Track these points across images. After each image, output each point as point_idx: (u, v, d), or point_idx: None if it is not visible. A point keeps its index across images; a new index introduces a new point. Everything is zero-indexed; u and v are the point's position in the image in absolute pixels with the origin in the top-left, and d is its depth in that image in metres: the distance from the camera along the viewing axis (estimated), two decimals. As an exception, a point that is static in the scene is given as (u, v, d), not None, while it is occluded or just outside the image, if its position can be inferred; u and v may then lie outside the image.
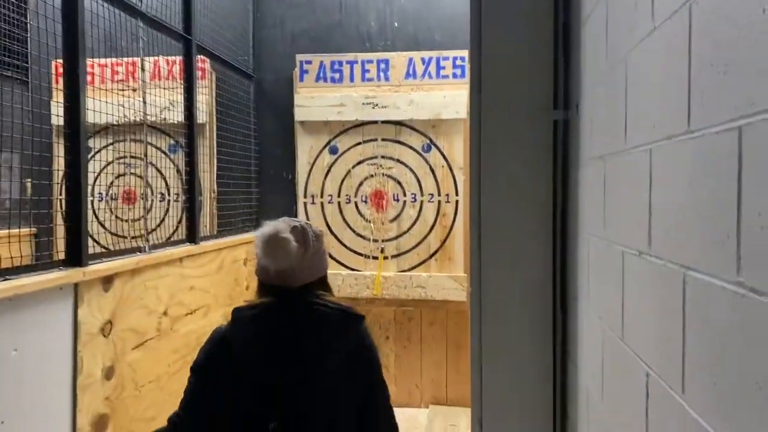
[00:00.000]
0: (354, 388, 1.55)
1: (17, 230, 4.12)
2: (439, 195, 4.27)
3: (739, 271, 0.71)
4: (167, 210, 4.41)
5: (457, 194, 4.24)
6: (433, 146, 4.26)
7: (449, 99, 4.15)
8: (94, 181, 4.62)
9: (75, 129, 2.27)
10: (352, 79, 4.32)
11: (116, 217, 4.47)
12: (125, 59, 4.49)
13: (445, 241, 4.27)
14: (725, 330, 0.75)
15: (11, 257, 2.18)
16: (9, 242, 2.19)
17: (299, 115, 4.34)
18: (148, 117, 4.41)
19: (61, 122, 3.82)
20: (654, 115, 1.06)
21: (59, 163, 3.96)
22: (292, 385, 1.46)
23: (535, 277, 1.91)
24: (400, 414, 4.16)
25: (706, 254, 0.81)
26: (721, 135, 0.77)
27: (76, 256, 2.25)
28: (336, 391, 1.51)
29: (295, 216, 4.44)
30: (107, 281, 2.41)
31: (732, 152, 0.74)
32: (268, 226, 1.54)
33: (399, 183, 4.33)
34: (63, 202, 4.30)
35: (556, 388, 1.92)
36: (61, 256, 2.28)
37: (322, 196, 4.42)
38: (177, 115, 4.06)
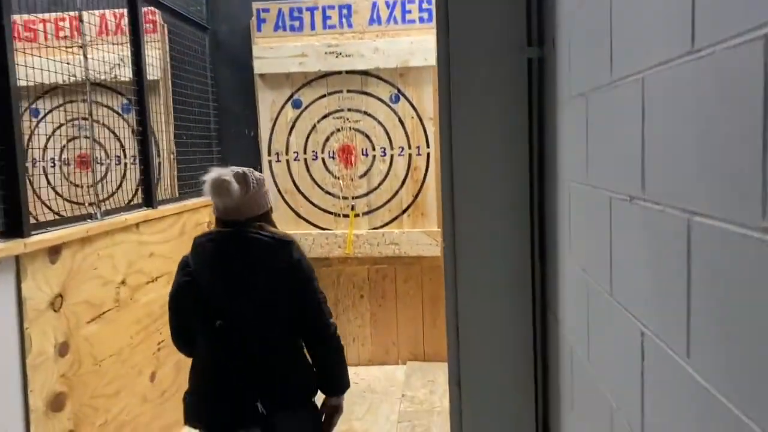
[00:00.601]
0: (284, 297, 1.95)
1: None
2: (410, 148, 4.12)
3: (766, 215, 0.58)
4: (124, 174, 4.19)
5: (428, 146, 4.09)
6: (401, 96, 4.09)
7: (417, 45, 3.96)
8: (45, 145, 4.38)
9: (4, 89, 2.05)
10: (313, 27, 4.09)
11: (70, 182, 4.24)
12: (69, 14, 4.19)
13: (417, 195, 4.14)
14: (745, 285, 0.63)
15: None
16: None
17: (259, 67, 4.11)
18: (99, 75, 4.15)
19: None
20: (646, 39, 0.92)
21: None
22: (233, 295, 1.93)
23: (511, 228, 1.79)
24: (378, 371, 4.12)
25: (718, 197, 0.68)
26: (739, 50, 0.63)
27: (15, 227, 2.07)
28: (267, 300, 1.94)
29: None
30: (54, 252, 2.23)
31: (754, 69, 0.60)
32: (215, 172, 1.94)
33: (367, 137, 4.16)
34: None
35: (537, 343, 1.83)
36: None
37: (287, 153, 4.24)
38: (129, 73, 3.81)
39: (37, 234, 2.17)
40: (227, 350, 1.91)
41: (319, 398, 2.10)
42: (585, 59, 1.28)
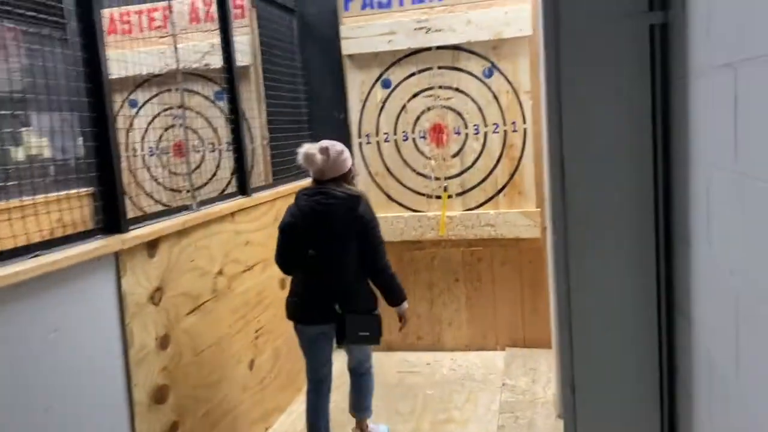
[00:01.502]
0: (352, 237, 2.66)
1: (76, 192, 4.05)
2: (505, 124, 3.90)
3: None
4: (219, 161, 4.25)
5: (524, 122, 3.86)
6: (495, 70, 3.87)
7: (511, 15, 3.72)
8: (143, 136, 4.51)
9: (98, 84, 2.05)
10: (401, 3, 3.93)
11: (170, 171, 4.35)
12: (160, 3, 4.25)
13: (513, 174, 3.93)
14: None
15: (71, 224, 2.04)
16: (60, 208, 2.05)
17: (347, 48, 4.01)
18: (193, 64, 4.19)
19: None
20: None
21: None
22: (319, 233, 2.64)
23: (631, 218, 1.59)
24: (476, 357, 3.98)
25: None
26: None
27: (114, 223, 2.08)
28: (341, 238, 2.65)
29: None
30: (152, 246, 2.24)
31: None
32: (305, 146, 2.71)
33: (459, 114, 3.97)
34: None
35: (662, 345, 1.63)
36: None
37: (377, 135, 4.13)
38: (221, 60, 3.82)
39: (135, 229, 2.18)
40: (316, 271, 2.66)
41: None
42: (733, 23, 1.07)
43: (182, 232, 2.45)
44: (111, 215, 2.08)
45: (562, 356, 1.68)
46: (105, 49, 2.06)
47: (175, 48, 2.86)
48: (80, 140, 4.55)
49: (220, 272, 2.76)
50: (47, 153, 3.99)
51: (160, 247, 2.29)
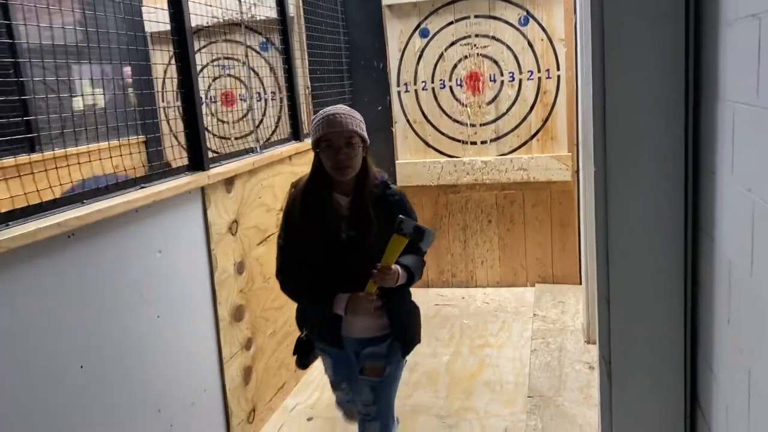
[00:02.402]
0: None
1: (126, 140, 4.34)
2: (539, 71, 4.08)
3: None
4: (265, 110, 4.49)
5: (558, 69, 4.03)
6: (530, 18, 4.02)
7: (547, -36, 3.85)
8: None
9: (181, 34, 2.29)
10: (441, -47, 4.07)
11: (218, 119, 4.60)
12: (209, -43, 4.42)
13: (546, 120, 4.12)
14: None
15: (133, 168, 2.31)
16: (120, 153, 2.31)
17: (387, -2, 4.18)
18: (239, 15, 4.39)
19: (154, 29, 3.86)
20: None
21: (157, 71, 4.08)
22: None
23: (664, 149, 1.81)
24: (508, 292, 4.28)
25: None
26: None
27: (198, 161, 2.35)
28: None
29: (389, 106, 4.40)
30: (229, 183, 2.52)
31: None
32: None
33: (495, 62, 4.15)
34: (167, 110, 4.43)
35: (687, 259, 1.88)
36: (176, 163, 2.40)
37: (415, 84, 4.33)
38: (266, 11, 4.02)
39: (214, 167, 2.45)
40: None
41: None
42: (759, -22, 1.27)
43: (252, 172, 2.72)
44: (196, 155, 2.34)
45: (599, 273, 1.94)
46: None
47: (239, 0, 3.06)
48: (130, 90, 4.81)
49: (282, 209, 3.04)
50: (101, 103, 4.27)
51: (235, 184, 2.56)
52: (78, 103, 4.16)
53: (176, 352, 2.14)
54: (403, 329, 2.08)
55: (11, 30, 2.92)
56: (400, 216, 1.87)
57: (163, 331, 2.05)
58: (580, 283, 3.91)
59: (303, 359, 2.15)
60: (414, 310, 2.19)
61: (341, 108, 1.94)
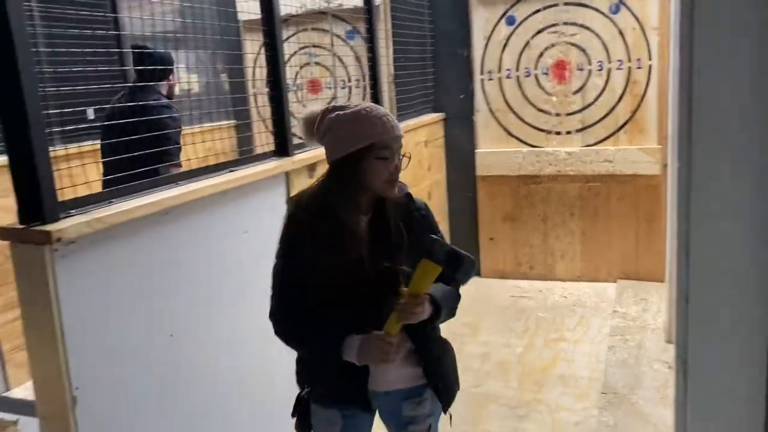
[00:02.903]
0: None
1: (218, 125, 4.52)
2: (629, 61, 3.94)
3: None
4: (349, 97, 4.58)
5: (650, 58, 3.88)
6: (622, 6, 3.89)
7: (642, -51, 3.71)
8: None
9: (271, 22, 2.39)
10: (530, -60, 4.01)
11: (304, 106, 4.75)
12: (300, -53, 4.55)
13: (635, 111, 3.99)
14: None
15: (224, 152, 2.45)
16: (212, 138, 2.45)
17: (473, -15, 4.16)
18: (328, 4, 4.50)
19: (246, 18, 4.02)
20: None
21: (248, 59, 4.24)
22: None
23: (752, 144, 1.74)
24: (588, 287, 4.20)
25: None
26: None
27: (283, 147, 2.46)
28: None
29: (472, 95, 4.38)
30: (311, 169, 2.62)
31: None
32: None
33: (583, 51, 4.05)
34: (257, 96, 4.62)
35: (776, 265, 1.80)
36: (263, 148, 2.51)
37: (499, 72, 4.30)
38: (353, 0, 4.10)
39: (299, 153, 2.55)
40: None
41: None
42: None
43: (333, 158, 2.80)
44: (281, 141, 2.45)
45: (679, 266, 1.89)
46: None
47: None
48: (223, 76, 5.01)
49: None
50: (195, 88, 4.50)
51: (317, 170, 2.66)
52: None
53: (258, 324, 2.27)
54: (442, 378, 1.63)
55: (117, 22, 3.13)
56: (431, 236, 1.46)
57: (246, 306, 2.18)
58: (665, 281, 3.77)
59: (304, 424, 1.64)
60: (449, 351, 1.70)
61: (380, 108, 1.52)
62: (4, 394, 2.92)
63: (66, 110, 1.74)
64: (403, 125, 3.79)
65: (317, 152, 2.65)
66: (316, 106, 1.57)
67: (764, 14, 1.67)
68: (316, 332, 1.52)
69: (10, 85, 1.43)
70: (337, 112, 1.49)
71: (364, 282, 1.47)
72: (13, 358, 3.00)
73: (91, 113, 3.52)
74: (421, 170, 4.03)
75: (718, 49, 1.73)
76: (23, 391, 2.84)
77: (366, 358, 1.45)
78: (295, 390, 1.66)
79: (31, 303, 1.52)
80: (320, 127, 1.51)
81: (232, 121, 4.45)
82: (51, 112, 1.64)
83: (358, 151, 1.44)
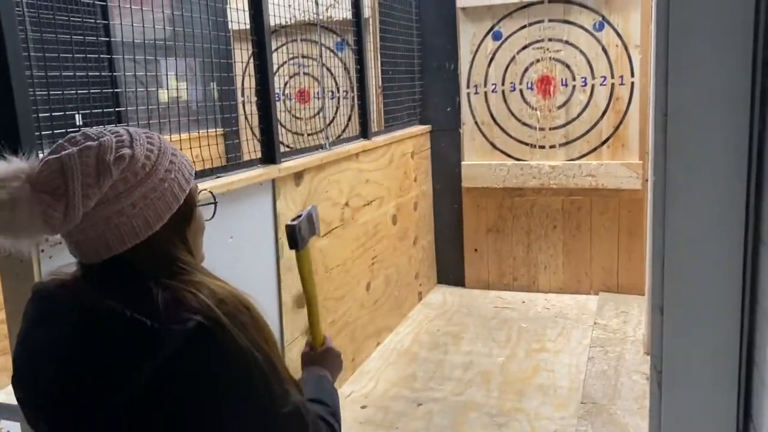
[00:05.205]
0: None
1: (206, 132, 4.56)
2: (613, 77, 4.02)
3: None
4: (338, 108, 4.63)
5: (632, 75, 3.97)
6: (606, 24, 3.97)
7: (625, -31, 3.80)
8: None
9: (260, 32, 2.44)
10: (516, -42, 4.09)
11: (292, 115, 4.79)
12: (291, -40, 4.61)
13: (618, 126, 4.07)
14: None
15: (210, 159, 2.47)
16: (199, 144, 2.46)
17: (461, 1, 4.23)
18: (318, 16, 4.55)
19: (236, 27, 4.07)
20: None
21: (237, 67, 4.28)
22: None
23: (727, 161, 1.80)
24: (570, 299, 4.25)
25: None
26: None
27: (270, 155, 2.50)
28: None
29: (458, 107, 4.44)
30: (298, 177, 2.65)
31: None
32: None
33: (568, 66, 4.13)
34: (245, 105, 4.66)
35: (746, 277, 1.85)
36: (250, 155, 2.55)
37: (485, 85, 4.36)
38: (342, 12, 4.15)
39: (285, 161, 2.59)
40: None
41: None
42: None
43: (320, 167, 2.85)
44: (269, 149, 2.49)
45: (653, 278, 1.94)
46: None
47: (316, 2, 3.20)
48: (212, 84, 5.04)
49: (347, 204, 3.16)
50: (184, 96, 4.53)
51: (304, 178, 2.70)
52: (163, 96, 4.43)
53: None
54: None
55: (108, 29, 3.15)
56: (288, 225, 1.39)
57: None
58: (645, 294, 3.84)
59: None
60: None
61: None
62: (-14, 398, 2.90)
63: (56, 114, 1.77)
64: (391, 136, 3.85)
65: (304, 160, 2.69)
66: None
67: (735, 36, 1.74)
68: (316, 399, 1.15)
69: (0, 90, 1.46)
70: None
71: None
72: (-5, 361, 3.00)
73: (78, 119, 3.54)
74: (407, 181, 4.08)
75: (692, 67, 1.80)
76: (5, 395, 2.83)
77: (337, 368, 1.38)
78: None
79: (16, 304, 1.54)
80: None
81: (220, 129, 4.48)
82: (41, 116, 1.66)
83: (193, 193, 1.01)
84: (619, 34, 3.95)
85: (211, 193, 1.12)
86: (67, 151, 0.82)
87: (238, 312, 0.90)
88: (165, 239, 0.91)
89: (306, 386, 1.19)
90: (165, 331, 0.82)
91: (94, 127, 0.90)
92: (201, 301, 0.86)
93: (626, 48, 3.95)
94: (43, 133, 1.67)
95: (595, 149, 4.15)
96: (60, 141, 0.86)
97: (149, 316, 0.82)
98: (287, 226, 1.41)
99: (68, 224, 0.82)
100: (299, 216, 1.42)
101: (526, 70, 4.23)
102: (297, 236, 1.41)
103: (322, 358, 1.38)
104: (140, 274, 0.88)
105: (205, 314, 0.84)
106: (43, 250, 1.49)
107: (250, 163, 2.43)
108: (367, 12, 4.20)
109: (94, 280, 0.88)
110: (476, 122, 4.41)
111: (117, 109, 2.82)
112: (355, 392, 3.13)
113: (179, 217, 0.93)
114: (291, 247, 1.44)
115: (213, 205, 1.10)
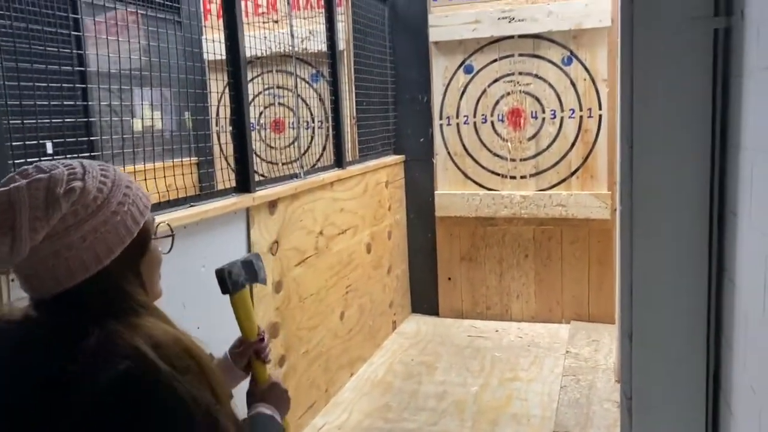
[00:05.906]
0: None
1: (180, 161, 4.55)
2: (581, 110, 4.14)
3: None
4: (312, 137, 4.66)
5: (600, 108, 4.08)
6: (574, 58, 4.10)
7: (591, 6, 3.93)
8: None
9: (236, 63, 2.47)
10: (487, -6, 4.21)
11: (267, 145, 4.80)
12: (266, -8, 4.68)
13: (587, 158, 4.17)
14: None
15: (184, 188, 2.48)
16: (173, 173, 2.46)
17: (433, 35, 4.33)
18: (291, 48, 4.61)
19: (211, 57, 4.10)
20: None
21: (213, 99, 4.30)
22: None
23: (690, 192, 1.86)
24: (542, 328, 4.29)
25: None
26: None
27: (245, 184, 2.50)
28: None
29: (431, 138, 4.51)
30: (272, 205, 2.66)
31: None
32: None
33: (537, 99, 4.23)
34: (220, 134, 4.66)
35: (711, 304, 1.90)
36: (225, 184, 2.56)
37: (457, 117, 4.44)
38: (317, 45, 4.21)
39: (260, 190, 2.60)
40: None
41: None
42: (775, 34, 1.34)
43: (294, 196, 2.86)
44: (243, 178, 2.50)
45: (622, 310, 1.98)
46: (244, 30, 2.46)
47: (292, 35, 3.24)
48: (187, 114, 5.04)
49: (321, 233, 3.17)
50: (159, 125, 4.52)
51: (278, 206, 2.71)
52: (137, 125, 4.42)
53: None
54: None
55: (82, 58, 3.16)
56: (217, 270, 1.42)
57: (202, 340, 2.18)
58: (616, 323, 3.89)
59: None
60: None
61: None
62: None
63: (29, 143, 1.76)
64: (365, 166, 3.89)
65: (278, 189, 2.70)
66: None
67: (695, 73, 1.81)
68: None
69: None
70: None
71: None
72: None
73: (49, 147, 3.51)
74: (381, 210, 4.11)
75: (655, 100, 1.86)
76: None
77: (285, 405, 1.35)
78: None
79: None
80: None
81: (195, 158, 4.48)
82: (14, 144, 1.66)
83: (148, 225, 1.05)
84: (587, 69, 4.08)
85: (169, 225, 1.11)
86: (15, 184, 0.82)
87: (177, 358, 0.87)
88: (117, 273, 0.90)
89: (253, 429, 1.19)
90: (87, 376, 0.79)
91: (50, 160, 0.89)
92: (134, 345, 0.83)
93: (594, 82, 4.07)
94: (16, 162, 1.66)
95: (564, 180, 4.24)
96: (11, 174, 0.86)
97: (74, 361, 0.79)
98: (216, 271, 1.39)
99: (15, 258, 0.80)
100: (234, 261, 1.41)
101: (497, 102, 4.33)
102: (227, 280, 1.39)
103: (269, 395, 1.34)
104: (88, 312, 0.85)
105: (136, 359, 0.81)
106: (13, 280, 1.47)
107: (224, 192, 2.44)
108: (341, 45, 4.28)
109: (41, 316, 0.86)
110: (449, 153, 4.48)
111: (90, 138, 2.81)
112: (328, 424, 3.10)
113: (133, 251, 0.93)
114: (223, 292, 1.42)
115: (170, 238, 1.10)
